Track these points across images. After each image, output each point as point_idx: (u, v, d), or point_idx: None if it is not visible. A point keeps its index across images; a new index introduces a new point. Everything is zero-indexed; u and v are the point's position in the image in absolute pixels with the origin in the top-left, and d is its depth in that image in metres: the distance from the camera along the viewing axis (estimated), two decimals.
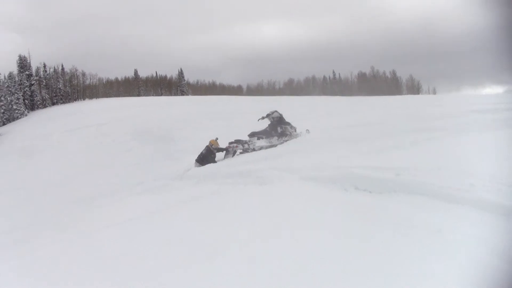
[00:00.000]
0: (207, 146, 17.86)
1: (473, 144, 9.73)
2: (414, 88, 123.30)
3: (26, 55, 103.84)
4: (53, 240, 10.38)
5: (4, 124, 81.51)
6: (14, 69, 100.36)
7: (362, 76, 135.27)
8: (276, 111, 17.78)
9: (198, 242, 6.44)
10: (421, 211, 5.91)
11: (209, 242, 6.26)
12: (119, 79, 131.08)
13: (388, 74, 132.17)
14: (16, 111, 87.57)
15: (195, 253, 6.03)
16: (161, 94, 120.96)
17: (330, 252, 5.22)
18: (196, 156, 17.84)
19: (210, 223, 7.19)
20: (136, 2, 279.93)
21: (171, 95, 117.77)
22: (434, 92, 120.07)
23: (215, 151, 17.77)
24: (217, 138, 18.13)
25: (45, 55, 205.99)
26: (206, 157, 17.62)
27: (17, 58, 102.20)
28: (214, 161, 17.45)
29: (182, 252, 6.18)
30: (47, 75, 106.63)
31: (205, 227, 7.02)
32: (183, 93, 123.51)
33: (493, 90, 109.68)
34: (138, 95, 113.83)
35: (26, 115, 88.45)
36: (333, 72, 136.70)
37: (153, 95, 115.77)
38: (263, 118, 17.87)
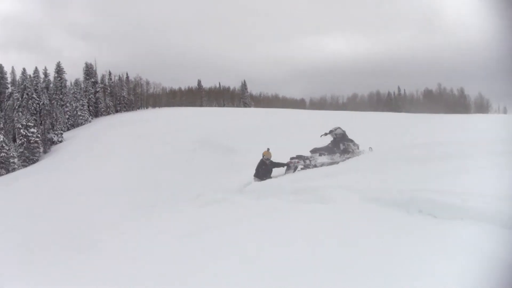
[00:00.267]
0: (261, 159, 17.75)
1: None
2: (483, 107, 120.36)
3: (92, 63, 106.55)
4: (114, 250, 10.46)
5: (68, 129, 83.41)
6: (80, 75, 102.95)
7: (428, 93, 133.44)
8: (339, 128, 17.56)
9: (255, 260, 6.36)
10: (489, 241, 5.63)
11: (266, 263, 6.18)
12: (183, 89, 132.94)
13: (455, 92, 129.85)
14: (81, 117, 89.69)
15: (254, 271, 5.98)
16: (224, 105, 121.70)
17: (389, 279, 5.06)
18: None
19: (269, 241, 7.08)
20: (203, 13, 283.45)
21: (233, 106, 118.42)
22: (505, 112, 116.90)
23: (267, 161, 17.60)
24: (268, 149, 17.94)
25: (110, 63, 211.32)
26: (258, 169, 17.52)
27: (84, 65, 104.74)
28: (269, 174, 17.32)
29: (242, 270, 6.14)
30: (112, 83, 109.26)
31: (264, 245, 6.91)
32: (245, 104, 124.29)
33: None
34: (201, 106, 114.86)
35: (90, 122, 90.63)
36: (398, 88, 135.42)
37: (215, 106, 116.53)
38: (325, 134, 17.67)
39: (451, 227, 6.26)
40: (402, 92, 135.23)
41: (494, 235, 5.71)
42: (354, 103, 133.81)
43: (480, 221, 6.14)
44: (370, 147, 17.27)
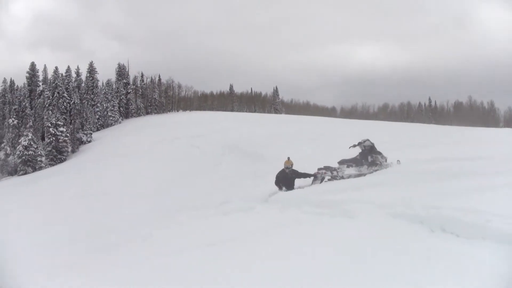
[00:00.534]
0: (282, 168, 17.74)
1: None
2: None
3: (125, 64, 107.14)
4: (132, 253, 10.58)
5: (98, 129, 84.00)
6: (112, 76, 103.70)
7: (458, 105, 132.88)
8: (368, 140, 17.53)
9: (275, 273, 6.42)
10: (506, 263, 5.64)
11: (286, 277, 6.23)
12: (214, 93, 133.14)
13: (485, 105, 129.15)
14: (111, 118, 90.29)
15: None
16: (255, 111, 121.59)
17: None
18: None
19: (290, 256, 7.14)
20: (237, 19, 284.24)
21: (264, 112, 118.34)
22: None
23: (287, 170, 17.51)
24: (289, 158, 17.88)
25: (142, 64, 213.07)
26: (277, 178, 17.60)
27: (116, 66, 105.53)
28: (291, 183, 17.34)
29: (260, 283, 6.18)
30: (144, 84, 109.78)
31: (286, 261, 6.95)
32: (276, 111, 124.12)
33: None
34: (232, 110, 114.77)
35: (120, 123, 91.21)
36: (429, 99, 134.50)
37: (246, 111, 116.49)
38: (354, 146, 17.66)
39: (471, 247, 6.26)
40: (433, 103, 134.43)
41: None
42: (384, 113, 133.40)
43: (502, 243, 6.14)
44: (398, 160, 17.24)
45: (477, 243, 6.40)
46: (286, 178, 17.40)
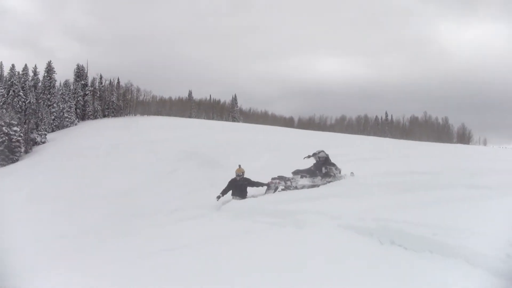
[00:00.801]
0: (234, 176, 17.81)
1: None
2: (465, 137, 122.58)
3: (84, 65, 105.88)
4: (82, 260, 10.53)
5: (53, 130, 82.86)
6: (71, 77, 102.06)
7: (414, 120, 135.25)
8: (322, 151, 17.64)
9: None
10: (451, 276, 5.71)
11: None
12: (173, 98, 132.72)
13: (440, 121, 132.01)
14: (67, 119, 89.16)
15: None
16: (213, 118, 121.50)
17: None
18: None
19: (240, 268, 7.12)
20: (199, 26, 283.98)
21: (222, 120, 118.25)
22: (485, 143, 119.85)
23: (238, 178, 17.61)
24: (240, 165, 17.99)
25: (101, 66, 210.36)
26: (228, 185, 17.65)
27: (75, 67, 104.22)
28: (241, 191, 17.39)
29: None
30: (102, 86, 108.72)
31: (235, 270, 6.94)
32: (234, 119, 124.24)
33: None
34: (190, 117, 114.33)
35: (76, 124, 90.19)
36: (386, 113, 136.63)
37: (204, 118, 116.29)
38: (309, 156, 17.75)
39: (419, 260, 6.31)
40: (389, 117, 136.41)
41: (459, 272, 5.78)
42: (341, 125, 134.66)
43: (447, 256, 6.21)
44: (352, 172, 17.40)
45: (425, 256, 6.45)
46: (238, 186, 17.43)
